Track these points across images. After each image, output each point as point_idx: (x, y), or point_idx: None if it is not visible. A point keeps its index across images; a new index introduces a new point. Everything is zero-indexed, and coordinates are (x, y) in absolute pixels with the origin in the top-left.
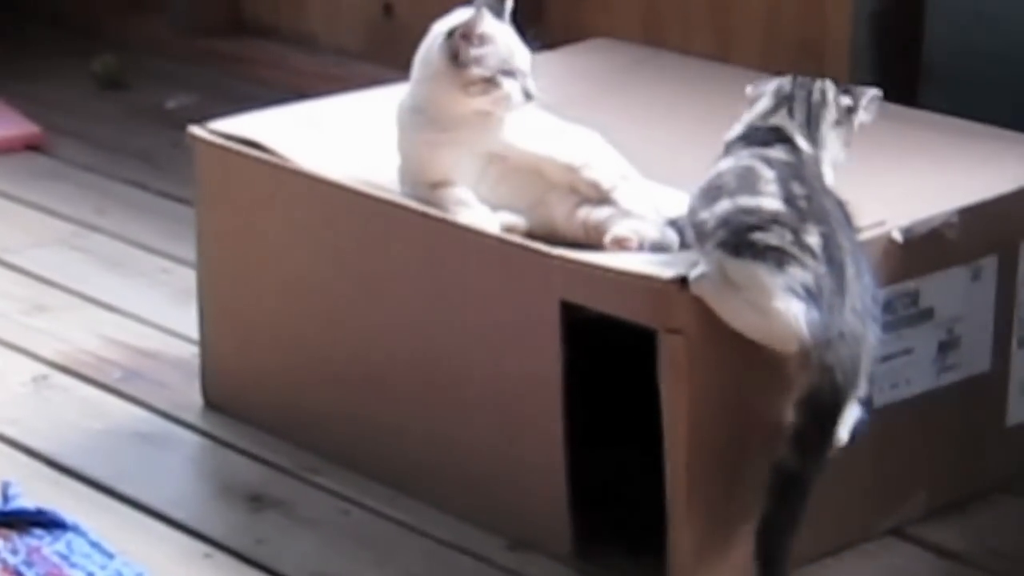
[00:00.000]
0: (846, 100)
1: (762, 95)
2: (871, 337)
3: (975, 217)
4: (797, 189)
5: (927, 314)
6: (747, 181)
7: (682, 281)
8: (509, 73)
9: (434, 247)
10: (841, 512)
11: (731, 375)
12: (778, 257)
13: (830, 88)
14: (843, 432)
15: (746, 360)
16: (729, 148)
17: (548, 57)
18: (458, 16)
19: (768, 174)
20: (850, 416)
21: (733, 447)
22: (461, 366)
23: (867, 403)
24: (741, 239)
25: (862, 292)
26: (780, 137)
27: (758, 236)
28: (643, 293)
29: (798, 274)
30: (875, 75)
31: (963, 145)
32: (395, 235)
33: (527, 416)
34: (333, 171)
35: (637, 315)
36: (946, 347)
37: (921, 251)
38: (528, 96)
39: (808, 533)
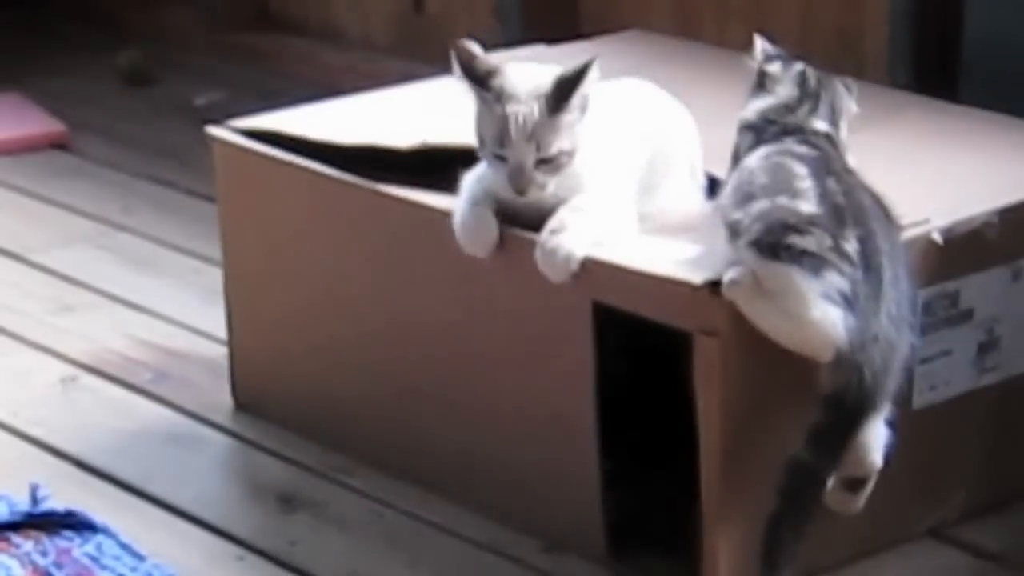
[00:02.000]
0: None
1: (782, 79)
2: (904, 345)
3: (1016, 217)
4: (832, 186)
5: (967, 315)
6: (781, 179)
7: (716, 284)
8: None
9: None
10: (879, 513)
11: (766, 377)
12: (815, 263)
13: (846, 86)
14: (876, 456)
15: (780, 362)
16: (748, 132)
17: (581, 48)
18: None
19: (802, 171)
20: (879, 437)
21: (767, 449)
22: (493, 366)
23: (893, 424)
24: (778, 242)
25: (899, 297)
26: (805, 133)
27: (795, 239)
28: (678, 296)
29: (835, 280)
30: (913, 68)
31: (1003, 140)
32: (425, 235)
33: (560, 417)
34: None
35: (672, 317)
36: (986, 348)
37: (961, 252)
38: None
39: (845, 534)
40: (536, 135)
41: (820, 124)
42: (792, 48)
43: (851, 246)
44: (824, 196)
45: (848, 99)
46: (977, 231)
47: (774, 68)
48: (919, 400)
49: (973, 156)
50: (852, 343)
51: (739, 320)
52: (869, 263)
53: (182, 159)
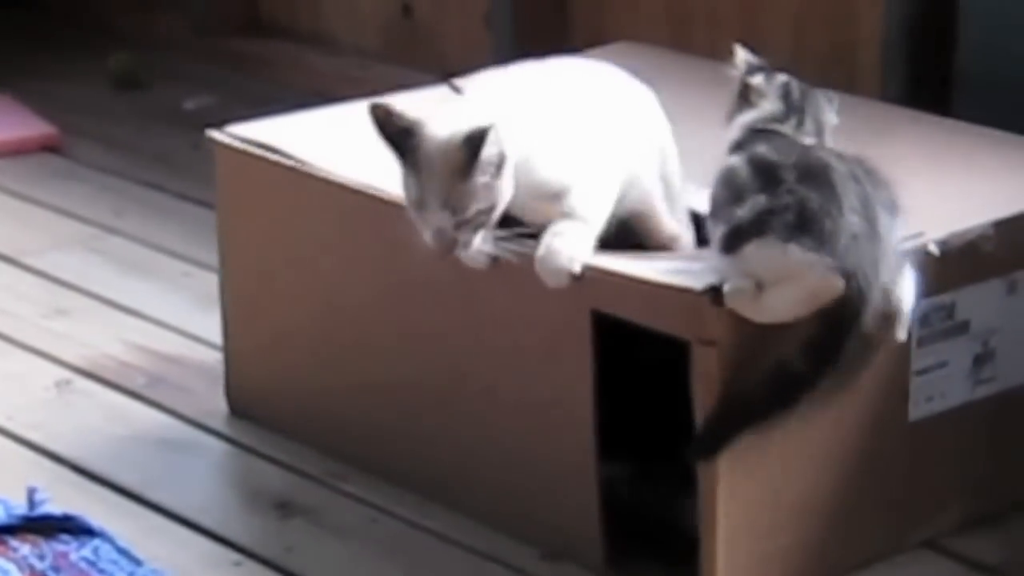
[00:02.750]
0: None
1: (766, 92)
2: (883, 228)
3: (1011, 230)
4: (761, 149)
5: (963, 327)
6: (721, 181)
7: (715, 292)
8: None
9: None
10: (874, 523)
11: None
12: (762, 225)
13: (827, 97)
14: (906, 294)
15: None
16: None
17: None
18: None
19: (734, 159)
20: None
21: (773, 463)
22: (491, 374)
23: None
24: (732, 234)
25: (858, 192)
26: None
27: (742, 215)
28: (676, 304)
29: (787, 219)
30: (907, 82)
31: (997, 155)
32: (423, 242)
33: (558, 426)
34: (356, 176)
35: (670, 326)
36: (981, 360)
37: (957, 264)
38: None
39: (841, 545)
40: (451, 201)
41: (807, 139)
42: (784, 61)
43: (789, 177)
44: (752, 160)
45: (829, 111)
46: (973, 243)
47: (758, 81)
48: (915, 412)
49: (967, 170)
50: (836, 261)
51: (737, 329)
52: (817, 179)
53: (172, 163)
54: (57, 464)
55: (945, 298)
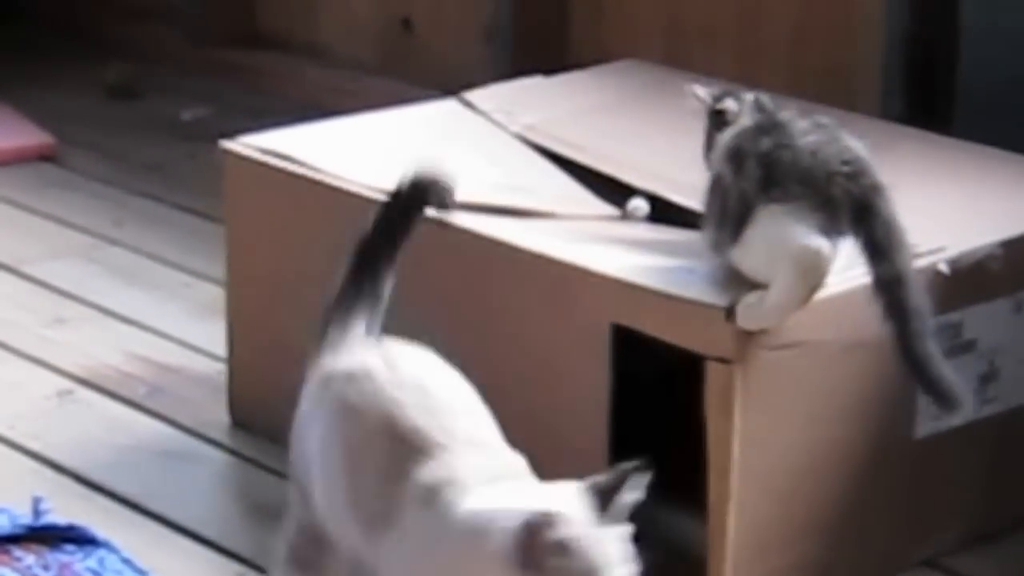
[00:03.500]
0: None
1: (740, 112)
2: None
3: (1018, 249)
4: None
5: (969, 346)
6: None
7: (731, 309)
8: None
9: (477, 265)
10: (879, 541)
11: (781, 406)
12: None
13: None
14: None
15: (795, 390)
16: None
17: (570, 78)
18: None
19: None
20: None
21: (783, 479)
22: (506, 388)
23: None
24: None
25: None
26: None
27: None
28: (692, 319)
29: (758, 177)
30: (906, 101)
31: (1000, 174)
32: (436, 253)
33: (572, 441)
34: (367, 186)
35: (686, 340)
36: (987, 379)
37: (965, 283)
38: None
39: (841, 561)
40: None
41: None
42: (783, 79)
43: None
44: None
45: (804, 119)
46: (980, 263)
47: (729, 103)
48: (920, 430)
49: (970, 189)
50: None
51: (753, 347)
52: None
53: (169, 173)
54: (58, 473)
55: (953, 317)
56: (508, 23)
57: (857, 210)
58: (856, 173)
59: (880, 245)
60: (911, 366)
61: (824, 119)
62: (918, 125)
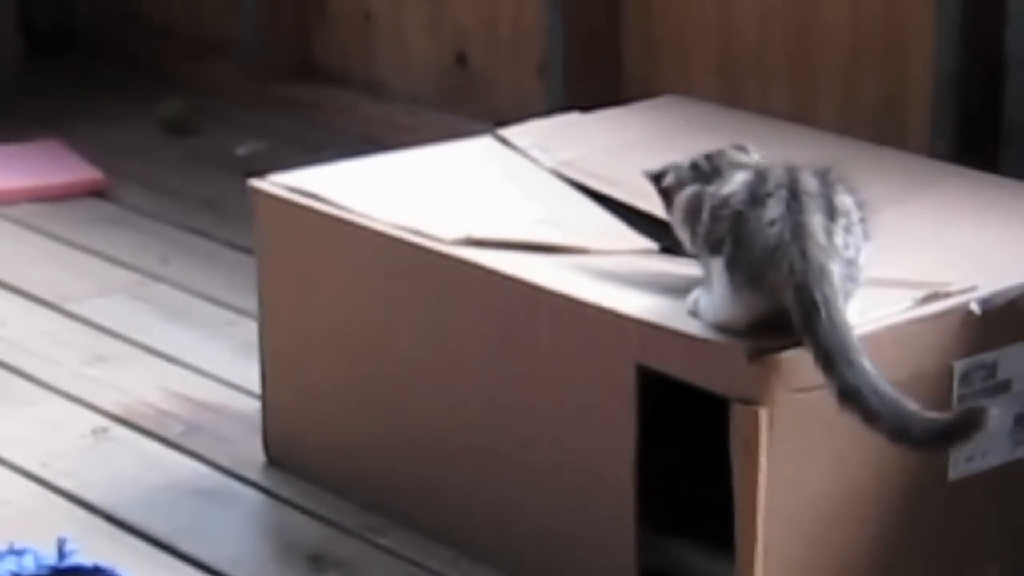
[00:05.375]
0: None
1: (684, 180)
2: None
3: None
4: None
5: (1004, 386)
6: None
7: (759, 351)
8: None
9: (504, 306)
10: None
11: (808, 448)
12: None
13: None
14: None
15: (822, 433)
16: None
17: (610, 114)
18: None
19: None
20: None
21: (811, 523)
22: (530, 429)
23: None
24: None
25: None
26: None
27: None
28: (715, 359)
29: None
30: (955, 136)
31: None
32: (463, 293)
33: (597, 485)
34: (400, 226)
35: (710, 382)
36: (1022, 420)
37: (999, 322)
38: None
39: None
40: None
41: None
42: (835, 114)
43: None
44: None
45: (746, 156)
46: (1014, 302)
47: (669, 180)
48: (954, 472)
49: (1012, 227)
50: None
51: (779, 388)
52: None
53: (221, 210)
54: (90, 513)
55: (987, 357)
56: (561, 58)
57: (803, 319)
58: (804, 284)
59: (826, 357)
60: (919, 449)
61: (811, 184)
62: (966, 162)
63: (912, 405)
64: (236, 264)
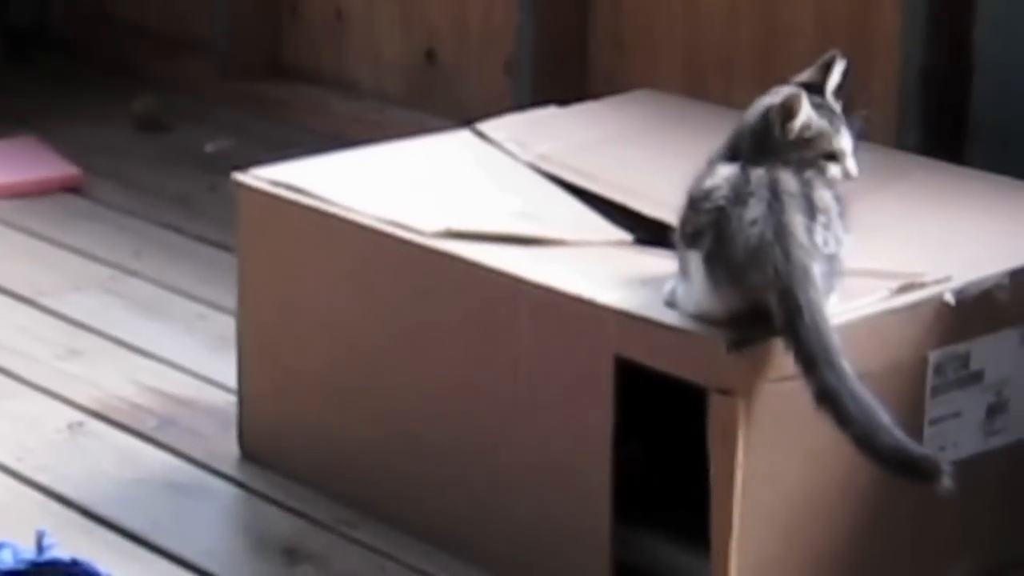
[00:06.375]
0: None
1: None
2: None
3: None
4: None
5: (976, 377)
6: None
7: (736, 342)
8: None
9: (481, 296)
10: (883, 575)
11: (785, 439)
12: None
13: None
14: None
15: (800, 424)
16: None
17: (584, 108)
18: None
19: None
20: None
21: (786, 513)
22: (509, 420)
23: None
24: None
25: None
26: None
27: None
28: (693, 350)
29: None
30: (921, 130)
31: (1011, 203)
32: (441, 284)
33: (573, 477)
34: (377, 218)
35: (689, 373)
36: (994, 410)
37: (972, 314)
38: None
39: None
40: None
41: None
42: None
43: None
44: None
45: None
46: (988, 293)
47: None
48: None
49: (981, 219)
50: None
51: (756, 379)
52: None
53: (191, 205)
54: (65, 507)
55: (960, 347)
56: (529, 56)
57: (785, 321)
58: (788, 288)
59: (808, 359)
60: (879, 463)
61: (791, 184)
62: (932, 155)
63: (886, 417)
64: (207, 258)
